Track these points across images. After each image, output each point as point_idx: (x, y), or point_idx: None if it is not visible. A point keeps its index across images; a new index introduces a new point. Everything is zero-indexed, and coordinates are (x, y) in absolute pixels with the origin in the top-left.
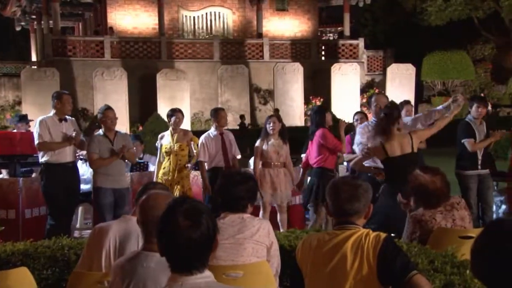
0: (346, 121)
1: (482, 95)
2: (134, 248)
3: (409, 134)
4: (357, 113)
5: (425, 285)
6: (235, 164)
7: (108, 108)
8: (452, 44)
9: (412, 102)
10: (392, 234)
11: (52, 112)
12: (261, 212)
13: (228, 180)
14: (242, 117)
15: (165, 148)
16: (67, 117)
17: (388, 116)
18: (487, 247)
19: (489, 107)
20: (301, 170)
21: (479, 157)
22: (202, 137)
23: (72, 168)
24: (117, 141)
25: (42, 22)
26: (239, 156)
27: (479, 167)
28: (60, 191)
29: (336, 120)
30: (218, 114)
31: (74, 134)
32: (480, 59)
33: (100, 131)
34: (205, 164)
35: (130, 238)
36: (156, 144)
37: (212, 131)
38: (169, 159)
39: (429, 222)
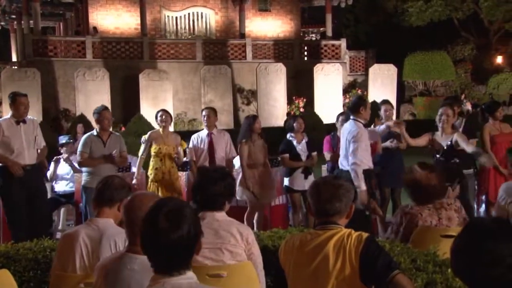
0: (329, 122)
1: (464, 96)
2: (107, 250)
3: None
4: (341, 113)
5: (407, 284)
6: (229, 165)
7: (105, 109)
8: (433, 44)
9: (394, 102)
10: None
11: (10, 113)
12: (246, 214)
13: (205, 177)
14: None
15: (158, 149)
16: (28, 117)
17: None
18: (466, 246)
19: (469, 107)
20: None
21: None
22: (192, 137)
23: (30, 171)
24: (110, 143)
25: (22, 22)
26: (234, 155)
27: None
28: (16, 194)
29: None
30: (206, 114)
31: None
32: (460, 59)
33: (94, 131)
34: (194, 163)
35: (101, 240)
36: (142, 140)
37: (203, 131)
38: (161, 160)
39: (415, 216)
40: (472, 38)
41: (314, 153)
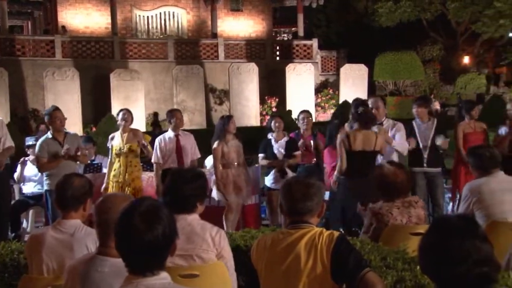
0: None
1: (432, 95)
2: (78, 254)
3: (375, 133)
4: (302, 111)
5: (377, 282)
6: (194, 165)
7: (55, 109)
8: (403, 45)
9: None
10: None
11: None
12: (225, 212)
13: (176, 178)
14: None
15: (115, 149)
16: None
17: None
18: (433, 244)
19: (438, 107)
20: (259, 169)
21: (425, 155)
22: (157, 139)
23: None
24: (67, 143)
25: None
26: (198, 156)
27: (425, 165)
28: None
29: None
30: (173, 115)
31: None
32: (429, 59)
33: (49, 133)
34: (159, 166)
35: (72, 243)
36: (108, 145)
37: (169, 132)
38: (119, 160)
39: (385, 216)
40: (440, 38)
41: (297, 153)
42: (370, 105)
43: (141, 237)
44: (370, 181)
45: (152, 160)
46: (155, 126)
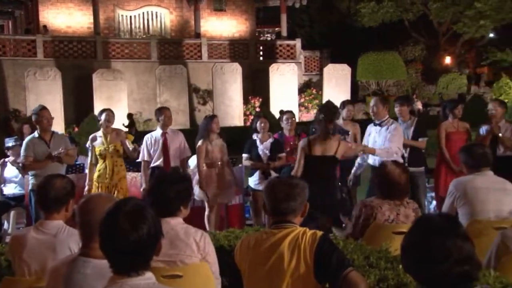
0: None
1: (415, 95)
2: (54, 254)
3: (339, 140)
4: (286, 112)
5: (360, 281)
6: (183, 164)
7: (43, 108)
8: (385, 45)
9: None
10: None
11: None
12: (206, 213)
13: (160, 180)
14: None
15: (99, 150)
16: None
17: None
18: (415, 243)
19: (420, 106)
20: (243, 169)
21: (406, 155)
22: (145, 137)
23: None
24: (54, 143)
25: None
26: (188, 155)
27: (406, 164)
28: None
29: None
30: (162, 113)
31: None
32: (411, 60)
33: (35, 133)
34: (146, 164)
35: (54, 245)
36: (87, 146)
37: (157, 130)
38: (104, 161)
39: (375, 209)
40: (422, 39)
41: (282, 154)
42: (371, 104)
43: (126, 237)
44: (328, 185)
45: (140, 158)
46: (130, 127)
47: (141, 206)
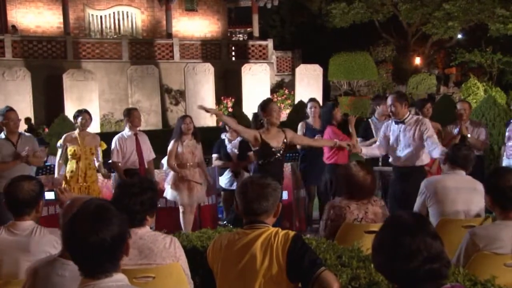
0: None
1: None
2: (28, 254)
3: (284, 131)
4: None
5: (332, 280)
6: (150, 167)
7: (9, 110)
8: (356, 45)
9: (320, 102)
10: None
11: None
12: (181, 214)
13: (123, 191)
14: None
15: (73, 150)
16: None
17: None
18: (385, 242)
19: None
20: (216, 170)
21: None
22: (116, 138)
23: None
24: (21, 144)
25: None
26: (153, 157)
27: (380, 164)
28: None
29: (346, 115)
30: (131, 114)
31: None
32: (381, 60)
33: (2, 135)
34: (118, 165)
35: (23, 244)
36: (58, 144)
37: (126, 131)
38: (77, 162)
39: (343, 209)
40: (392, 39)
41: (250, 153)
42: (388, 104)
43: (91, 238)
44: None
45: (112, 160)
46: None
47: (103, 208)
